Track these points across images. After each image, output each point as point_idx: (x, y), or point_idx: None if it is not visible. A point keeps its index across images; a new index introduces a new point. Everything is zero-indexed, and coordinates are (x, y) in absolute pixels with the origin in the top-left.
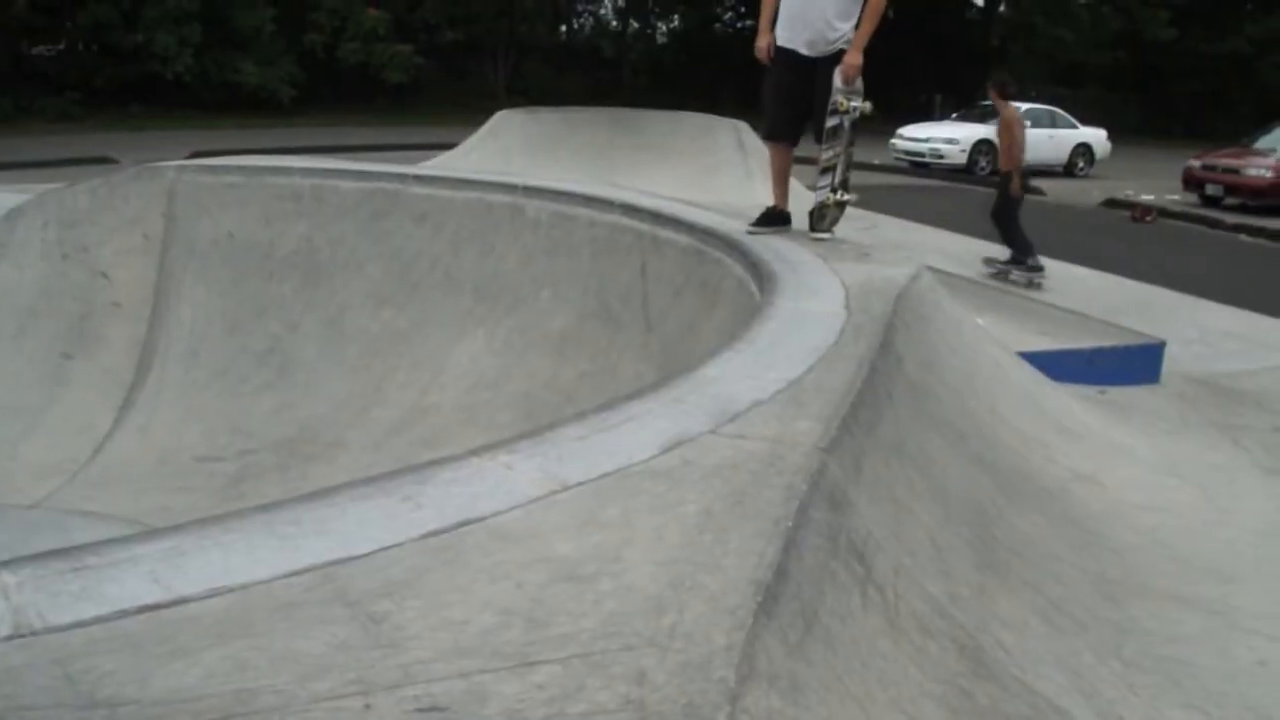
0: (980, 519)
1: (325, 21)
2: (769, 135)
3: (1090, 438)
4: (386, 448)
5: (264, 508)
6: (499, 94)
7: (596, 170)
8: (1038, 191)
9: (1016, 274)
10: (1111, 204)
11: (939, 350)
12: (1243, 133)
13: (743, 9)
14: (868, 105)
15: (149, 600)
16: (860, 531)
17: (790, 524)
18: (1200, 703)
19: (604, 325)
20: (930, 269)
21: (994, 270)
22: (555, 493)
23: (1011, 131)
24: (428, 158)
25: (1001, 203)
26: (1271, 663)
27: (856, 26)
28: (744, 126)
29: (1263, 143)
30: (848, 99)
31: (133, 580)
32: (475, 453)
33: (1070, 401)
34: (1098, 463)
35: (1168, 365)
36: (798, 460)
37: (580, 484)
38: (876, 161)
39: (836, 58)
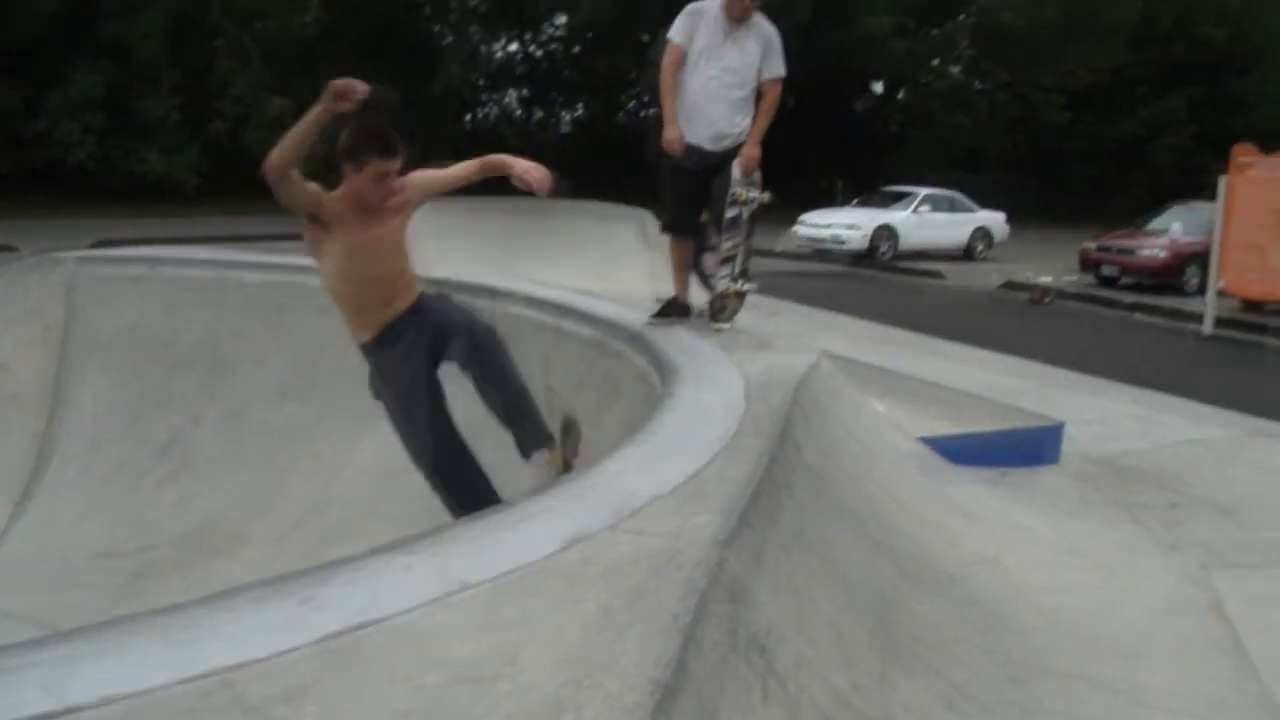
0: (882, 605)
1: (229, 110)
2: (669, 228)
3: (992, 520)
4: (290, 541)
5: (162, 611)
6: None
7: (500, 260)
8: (936, 275)
9: None
10: (1010, 286)
11: (838, 438)
12: (1137, 214)
13: (645, 99)
14: (766, 196)
15: (39, 710)
16: (761, 623)
17: (689, 619)
18: None
19: None
20: (830, 356)
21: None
22: (453, 593)
23: None
24: None
25: None
26: None
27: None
28: (647, 216)
29: (1156, 223)
30: (746, 190)
31: (23, 688)
32: (375, 552)
33: (971, 484)
34: (1000, 545)
35: (1067, 445)
36: (697, 554)
37: (479, 584)
38: (778, 249)
39: (736, 150)
